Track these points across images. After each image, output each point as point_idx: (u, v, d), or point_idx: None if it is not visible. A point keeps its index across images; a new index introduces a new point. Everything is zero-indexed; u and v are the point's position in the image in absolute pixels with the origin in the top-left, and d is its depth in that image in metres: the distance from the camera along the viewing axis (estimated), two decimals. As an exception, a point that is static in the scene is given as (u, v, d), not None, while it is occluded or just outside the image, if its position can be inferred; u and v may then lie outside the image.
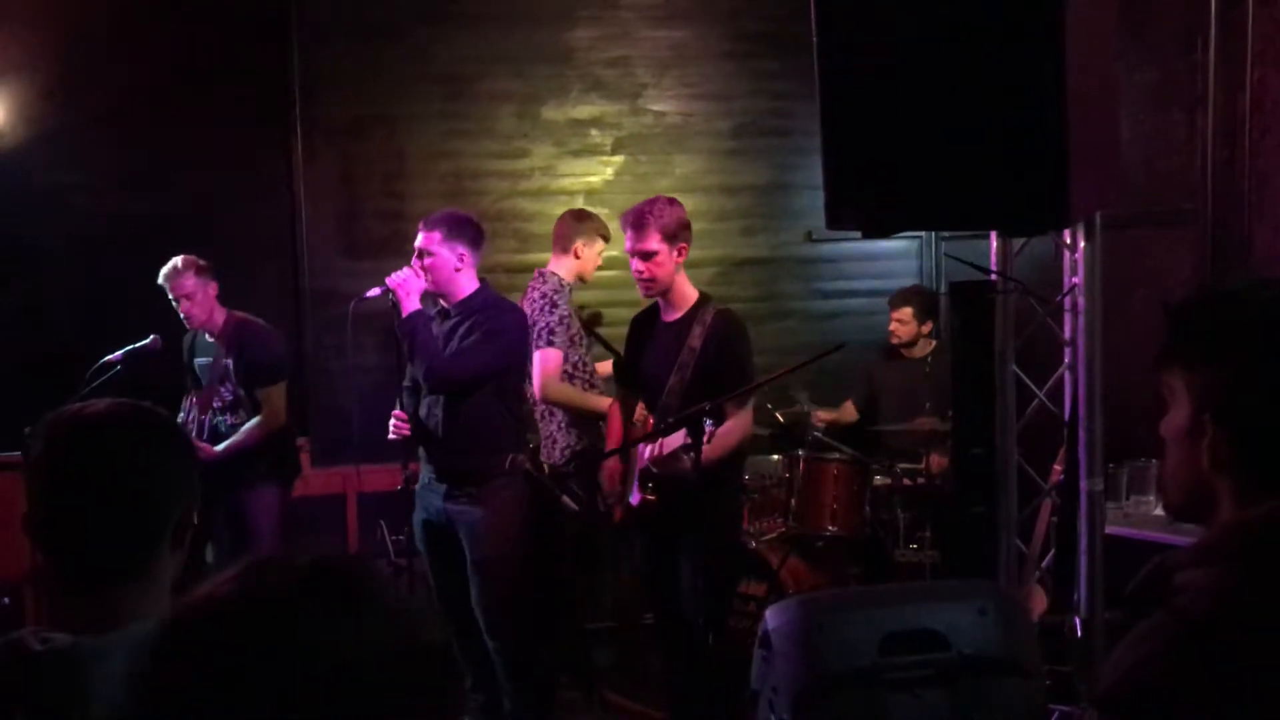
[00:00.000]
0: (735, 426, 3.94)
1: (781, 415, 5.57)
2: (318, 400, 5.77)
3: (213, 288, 4.96)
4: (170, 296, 4.90)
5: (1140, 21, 4.97)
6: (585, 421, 4.80)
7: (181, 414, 5.04)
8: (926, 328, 5.67)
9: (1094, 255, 3.62)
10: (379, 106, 5.90)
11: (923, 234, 6.29)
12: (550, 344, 4.66)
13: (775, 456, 5.45)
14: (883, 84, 3.12)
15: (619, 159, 6.11)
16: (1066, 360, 3.81)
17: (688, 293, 4.10)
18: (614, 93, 6.09)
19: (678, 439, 3.70)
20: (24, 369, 5.28)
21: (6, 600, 5.22)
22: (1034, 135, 2.86)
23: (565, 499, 4.48)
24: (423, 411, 4.23)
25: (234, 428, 4.98)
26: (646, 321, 4.23)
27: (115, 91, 5.60)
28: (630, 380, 4.31)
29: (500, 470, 4.14)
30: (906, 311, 5.65)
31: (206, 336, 5.05)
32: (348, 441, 4.79)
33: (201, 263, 4.93)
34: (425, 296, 4.18)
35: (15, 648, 1.47)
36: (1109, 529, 3.80)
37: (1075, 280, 3.69)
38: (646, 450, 3.98)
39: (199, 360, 5.08)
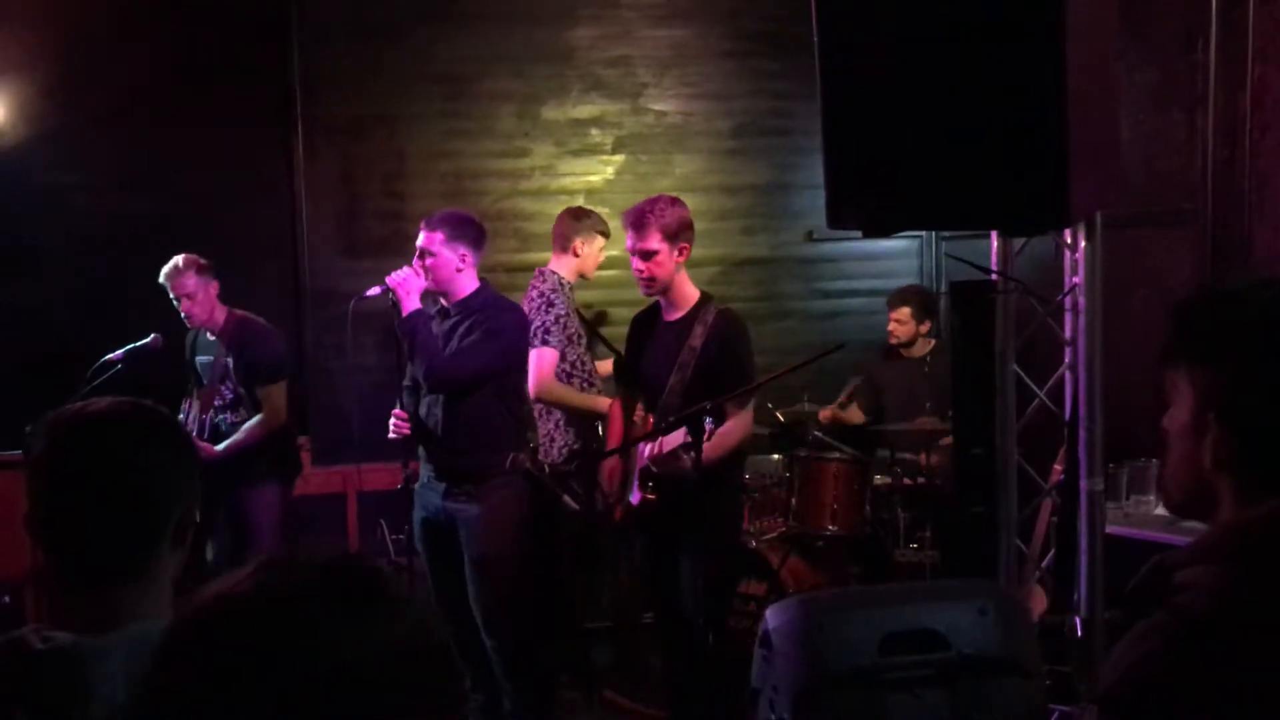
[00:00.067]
0: (736, 426, 3.93)
1: (782, 415, 5.57)
2: (318, 399, 5.78)
3: (214, 287, 4.96)
4: (171, 295, 4.90)
5: (1140, 21, 4.96)
6: (581, 421, 4.81)
7: (182, 413, 5.04)
8: (925, 327, 5.67)
9: (1094, 255, 3.62)
10: (379, 106, 5.90)
11: (923, 234, 6.29)
12: (545, 343, 4.67)
13: (775, 456, 5.46)
14: (883, 83, 3.12)
15: (619, 159, 6.11)
16: (1067, 360, 3.81)
17: (689, 292, 4.09)
18: (614, 92, 6.09)
19: (678, 438, 3.69)
20: (24, 368, 5.29)
21: (7, 599, 5.22)
22: (1034, 135, 2.87)
23: (565, 498, 4.48)
24: (423, 411, 4.23)
25: (235, 426, 4.98)
26: (647, 321, 4.23)
27: (115, 91, 5.61)
28: (631, 379, 4.31)
29: (500, 469, 4.14)
30: (905, 311, 5.65)
31: (207, 335, 5.05)
32: (348, 440, 4.80)
33: (202, 262, 4.93)
34: (425, 295, 4.18)
35: (16, 646, 1.47)
36: (1109, 529, 3.81)
37: (1075, 280, 3.69)
38: (646, 449, 3.98)
39: (200, 359, 5.08)
